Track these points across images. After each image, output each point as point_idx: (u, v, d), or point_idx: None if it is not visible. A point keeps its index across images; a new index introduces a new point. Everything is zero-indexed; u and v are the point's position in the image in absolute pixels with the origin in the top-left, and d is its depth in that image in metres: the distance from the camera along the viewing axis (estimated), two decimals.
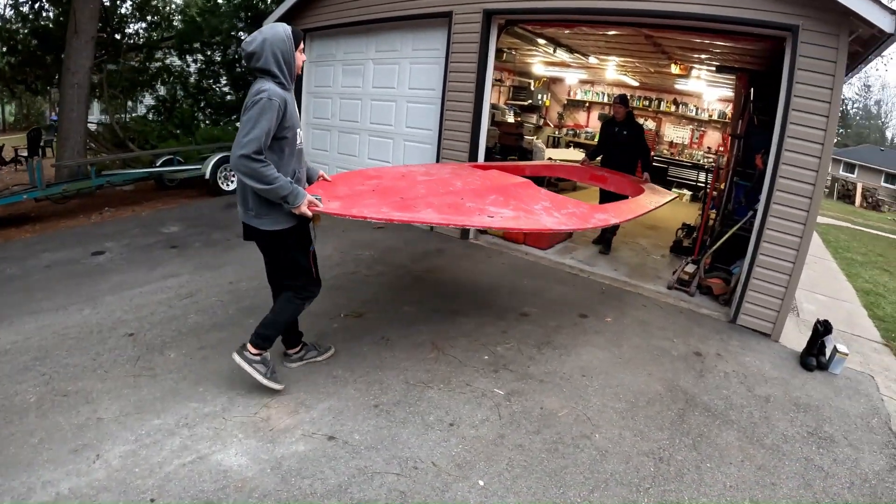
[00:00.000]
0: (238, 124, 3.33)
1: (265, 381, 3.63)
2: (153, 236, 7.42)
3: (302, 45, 3.42)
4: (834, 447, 3.95)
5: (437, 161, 7.96)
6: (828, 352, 5.21)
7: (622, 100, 7.89)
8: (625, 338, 5.32)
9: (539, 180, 6.40)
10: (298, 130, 3.44)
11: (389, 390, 3.98)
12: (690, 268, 6.85)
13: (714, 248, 6.75)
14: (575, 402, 4.15)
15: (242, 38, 13.51)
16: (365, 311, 5.28)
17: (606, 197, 7.62)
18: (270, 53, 3.19)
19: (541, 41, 9.95)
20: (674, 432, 3.90)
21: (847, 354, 5.17)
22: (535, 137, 13.25)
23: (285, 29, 3.29)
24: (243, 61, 3.50)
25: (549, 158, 11.85)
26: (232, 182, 9.93)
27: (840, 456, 3.85)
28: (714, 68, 9.01)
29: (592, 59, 11.89)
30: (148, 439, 3.22)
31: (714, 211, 8.36)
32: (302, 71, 3.60)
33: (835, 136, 5.33)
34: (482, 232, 8.19)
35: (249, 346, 3.62)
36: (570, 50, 10.85)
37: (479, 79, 7.49)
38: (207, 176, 9.65)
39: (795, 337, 5.82)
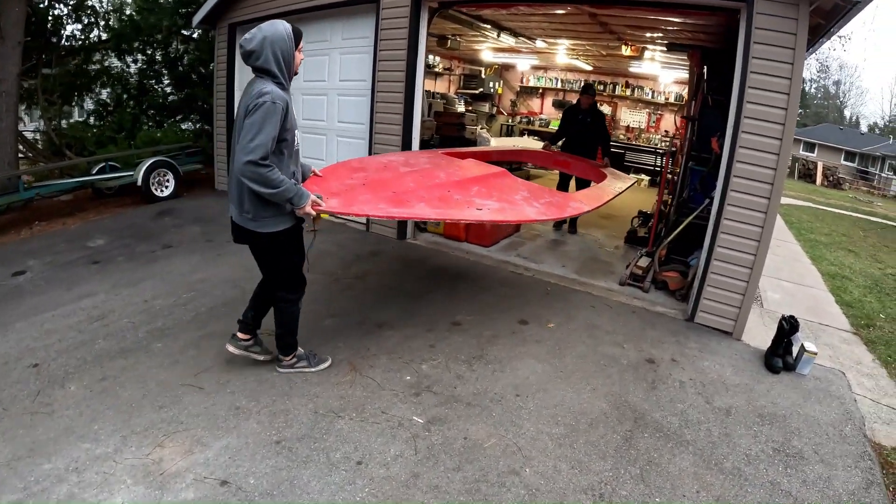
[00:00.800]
0: (250, 126, 3.13)
1: (317, 370, 4.04)
2: (78, 251, 6.73)
3: (301, 44, 3.38)
4: (803, 465, 3.45)
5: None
6: (794, 350, 4.74)
7: (589, 89, 8.16)
8: (569, 346, 4.75)
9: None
10: (297, 131, 3.46)
11: (295, 422, 3.47)
12: (644, 261, 6.31)
13: (668, 239, 6.23)
14: (505, 428, 3.57)
15: (184, 34, 13.24)
16: None
17: (564, 182, 8.28)
18: (271, 52, 3.16)
19: (483, 25, 9.35)
20: (619, 460, 3.35)
21: (816, 353, 4.68)
22: (479, 126, 12.72)
23: (285, 26, 3.24)
24: (241, 58, 3.33)
25: None
26: (165, 188, 9.36)
27: (811, 476, 3.36)
28: (665, 47, 8.46)
29: (540, 44, 11.32)
30: (36, 487, 2.86)
31: (670, 197, 7.92)
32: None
33: (797, 115, 4.80)
34: (421, 229, 7.68)
35: (282, 357, 3.97)
36: (515, 34, 10.26)
37: (410, 67, 6.88)
38: (139, 182, 8.96)
39: (759, 332, 5.36)
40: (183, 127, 13.47)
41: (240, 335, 3.94)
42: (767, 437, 3.72)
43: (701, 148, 6.47)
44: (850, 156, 40.69)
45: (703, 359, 4.74)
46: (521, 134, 16.16)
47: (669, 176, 7.81)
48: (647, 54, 10.78)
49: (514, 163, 10.95)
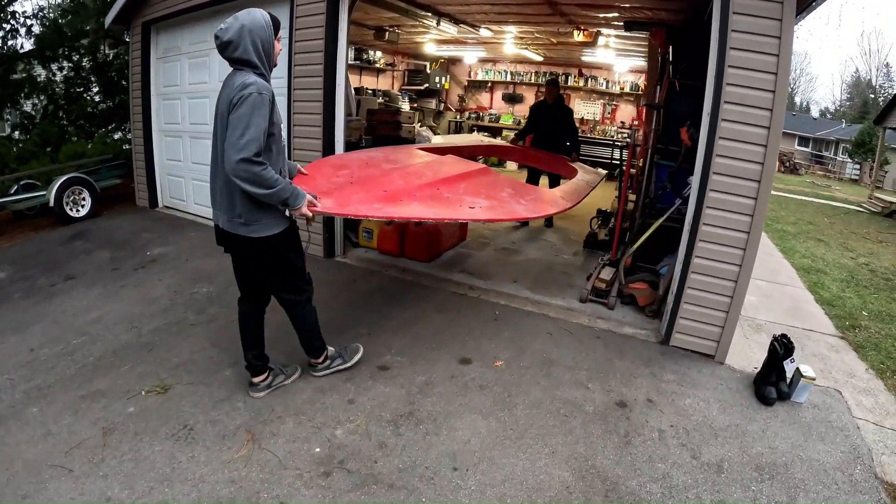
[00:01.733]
0: (237, 121, 2.89)
1: (351, 363, 3.96)
2: None
3: (279, 33, 3.14)
4: None
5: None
6: (789, 374, 4.02)
7: (553, 83, 8.28)
8: (520, 391, 3.86)
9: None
10: (283, 126, 3.24)
11: None
12: (608, 272, 5.47)
13: (635, 246, 5.39)
14: None
15: (114, 38, 12.30)
16: (174, 381, 3.83)
17: (534, 178, 8.38)
18: (250, 42, 2.94)
19: (420, 12, 8.50)
20: None
21: (814, 379, 3.96)
22: (419, 124, 11.91)
23: (263, 14, 3.01)
24: (218, 50, 3.02)
25: None
26: (82, 207, 8.36)
27: None
28: (622, 26, 7.60)
29: (485, 32, 10.56)
30: None
31: (633, 194, 7.18)
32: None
33: (786, 98, 4.00)
34: (353, 245, 6.77)
35: (314, 361, 3.85)
36: (455, 20, 9.42)
37: (329, 60, 5.89)
38: (52, 203, 7.94)
39: (740, 345, 4.66)
40: (116, 137, 12.69)
41: (256, 380, 3.68)
42: (769, 497, 2.97)
43: (668, 140, 5.65)
44: (803, 141, 41.01)
45: (683, 395, 3.93)
46: (471, 130, 15.63)
47: (633, 171, 7.00)
48: (601, 40, 10.02)
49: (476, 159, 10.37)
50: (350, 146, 6.42)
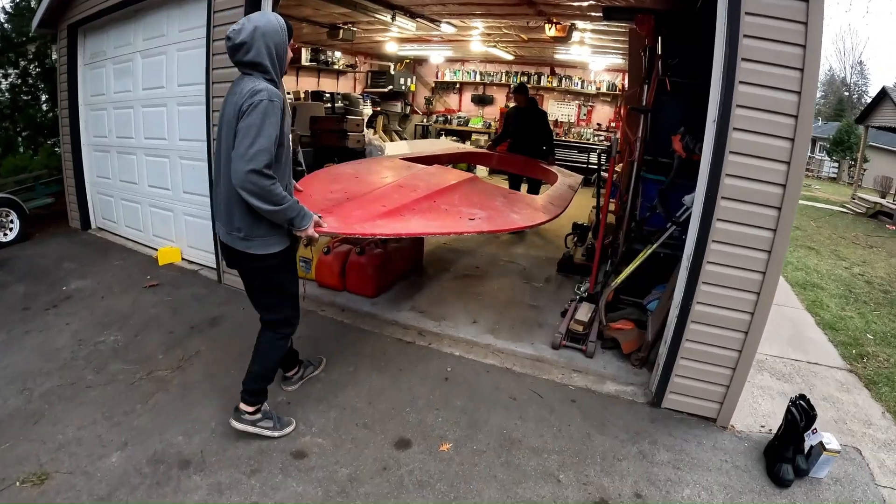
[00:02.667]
0: (246, 130, 2.66)
1: (278, 434, 3.25)
2: None
3: (291, 41, 2.93)
4: None
5: (211, 183, 5.42)
6: (807, 444, 3.22)
7: (521, 88, 8.17)
8: (471, 490, 2.92)
9: None
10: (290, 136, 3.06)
11: None
12: (585, 311, 4.57)
13: (618, 280, 4.45)
14: None
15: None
16: (53, 468, 2.96)
17: (514, 184, 8.29)
18: (264, 45, 2.75)
19: (369, 4, 7.66)
20: None
21: (838, 452, 3.17)
22: (370, 132, 11.24)
23: (278, 18, 2.83)
24: (228, 54, 2.82)
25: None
26: (10, 231, 7.17)
27: None
28: (600, 16, 6.65)
29: (448, 28, 9.72)
30: None
31: (614, 202, 6.39)
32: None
33: (814, 102, 3.11)
34: None
35: (244, 406, 3.18)
36: (411, 14, 8.56)
37: None
38: None
39: (744, 395, 3.74)
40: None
41: (288, 374, 3.76)
42: None
43: (657, 149, 4.75)
44: None
45: (681, 482, 3.05)
46: (438, 135, 14.99)
47: (614, 180, 6.12)
48: (575, 35, 9.24)
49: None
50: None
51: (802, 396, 3.30)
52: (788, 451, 3.17)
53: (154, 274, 5.83)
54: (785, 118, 2.96)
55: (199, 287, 5.56)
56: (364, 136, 7.89)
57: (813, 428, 3.22)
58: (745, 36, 2.94)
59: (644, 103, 5.20)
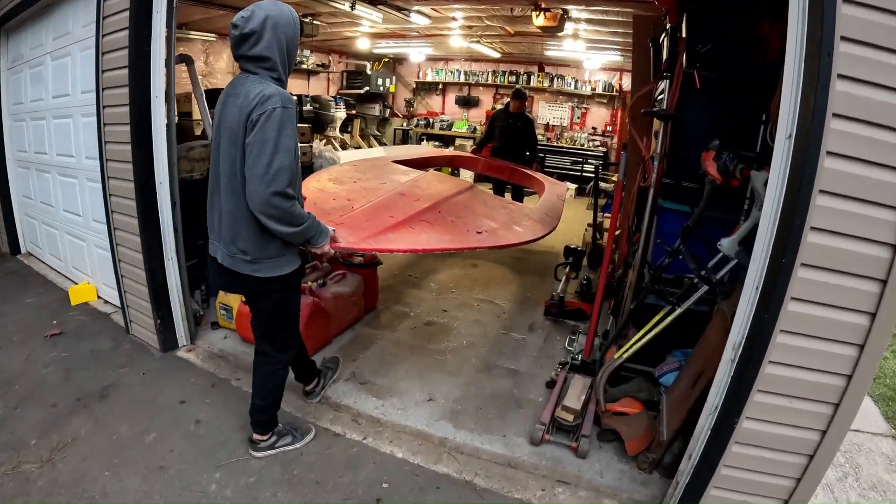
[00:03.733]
0: (261, 144, 2.38)
1: (300, 445, 3.13)
2: None
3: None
4: None
5: (106, 208, 4.33)
6: None
7: (520, 95, 7.96)
8: None
9: None
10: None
11: None
12: (577, 391, 3.37)
13: (624, 355, 3.22)
14: None
15: None
16: None
17: (499, 191, 7.93)
18: (274, 38, 2.42)
19: None
20: None
21: None
22: (319, 142, 10.10)
23: (291, 10, 2.49)
24: (231, 46, 2.48)
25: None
26: None
27: None
28: None
29: (420, 20, 8.78)
30: None
31: (619, 232, 5.26)
32: None
33: None
34: (214, 326, 4.58)
35: (258, 437, 3.04)
36: (371, 1, 7.59)
37: (139, 58, 3.67)
38: None
39: None
40: None
41: (308, 388, 3.55)
42: None
43: (678, 170, 3.56)
44: None
45: None
46: (419, 140, 14.11)
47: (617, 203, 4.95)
48: (568, 27, 8.24)
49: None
50: (189, 186, 4.29)
51: None
52: None
53: (63, 318, 4.73)
54: None
55: (104, 339, 4.40)
56: (310, 147, 6.51)
57: None
58: (846, 1, 1.77)
59: (667, 107, 3.79)
